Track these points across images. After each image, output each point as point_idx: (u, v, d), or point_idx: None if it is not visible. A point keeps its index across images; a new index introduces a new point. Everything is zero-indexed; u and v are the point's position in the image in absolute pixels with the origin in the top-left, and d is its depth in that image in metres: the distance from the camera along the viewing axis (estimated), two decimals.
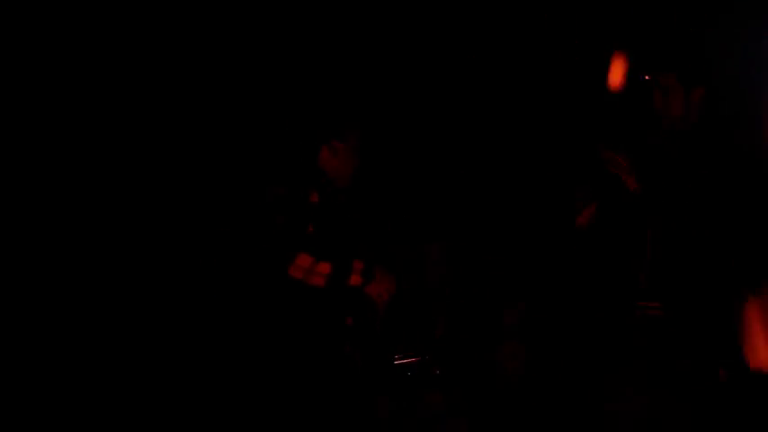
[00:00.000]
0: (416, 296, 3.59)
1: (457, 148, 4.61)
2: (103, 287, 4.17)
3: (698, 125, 3.28)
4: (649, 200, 3.34)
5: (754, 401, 3.42)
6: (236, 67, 4.36)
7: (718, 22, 3.91)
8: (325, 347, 3.26)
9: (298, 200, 3.18)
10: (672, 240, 3.29)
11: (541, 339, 3.65)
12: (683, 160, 3.32)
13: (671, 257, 3.29)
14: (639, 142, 3.47)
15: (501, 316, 3.57)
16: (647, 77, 3.38)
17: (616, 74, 4.17)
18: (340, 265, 3.18)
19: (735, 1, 3.91)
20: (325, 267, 3.14)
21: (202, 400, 4.08)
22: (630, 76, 3.91)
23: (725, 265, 3.25)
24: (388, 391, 3.50)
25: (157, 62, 4.27)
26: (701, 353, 3.24)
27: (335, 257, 3.18)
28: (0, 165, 4.04)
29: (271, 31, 4.38)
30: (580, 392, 3.98)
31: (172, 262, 4.24)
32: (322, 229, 3.23)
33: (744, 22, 3.88)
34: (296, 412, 3.25)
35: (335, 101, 3.83)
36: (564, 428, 4.18)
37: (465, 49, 4.48)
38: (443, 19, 4.47)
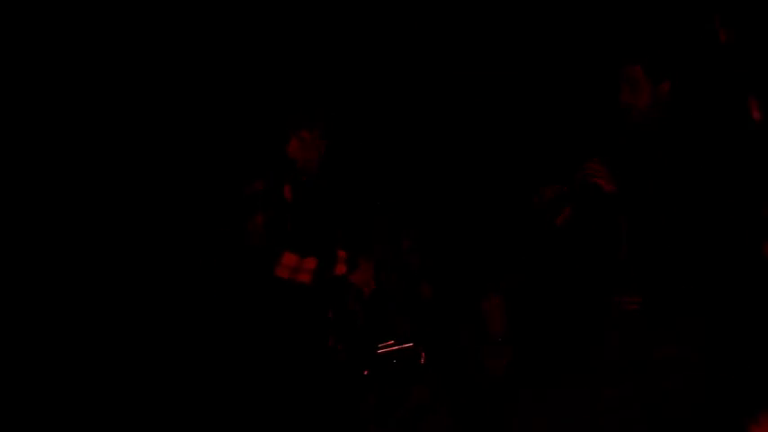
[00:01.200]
0: (395, 286, 3.60)
1: (439, 147, 4.65)
2: (86, 289, 4.12)
3: (665, 118, 3.32)
4: (623, 196, 3.41)
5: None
6: (201, 64, 4.32)
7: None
8: (309, 341, 3.27)
9: (274, 196, 3.20)
10: (646, 235, 3.38)
11: (522, 335, 3.69)
12: (653, 154, 3.41)
13: (646, 252, 3.38)
14: (611, 140, 3.54)
15: (480, 309, 3.61)
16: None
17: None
18: (325, 258, 3.19)
19: None
20: (310, 263, 3.15)
21: (188, 398, 4.09)
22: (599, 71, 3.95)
23: (696, 258, 3.35)
24: (373, 382, 3.52)
25: (121, 64, 4.21)
26: (678, 345, 3.36)
27: (320, 251, 3.19)
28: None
29: (232, 25, 4.34)
30: (561, 386, 4.04)
31: (156, 267, 4.21)
32: (301, 224, 3.24)
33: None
34: (283, 408, 3.26)
35: (299, 91, 3.84)
36: (545, 422, 4.23)
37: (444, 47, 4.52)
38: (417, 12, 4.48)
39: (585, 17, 4.24)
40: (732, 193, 3.37)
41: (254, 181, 3.23)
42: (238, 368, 3.34)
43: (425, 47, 4.52)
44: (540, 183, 3.63)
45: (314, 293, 3.22)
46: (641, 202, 3.30)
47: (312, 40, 4.45)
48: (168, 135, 4.29)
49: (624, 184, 3.33)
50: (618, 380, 3.38)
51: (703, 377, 3.30)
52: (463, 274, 4.10)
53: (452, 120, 4.60)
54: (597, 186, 3.33)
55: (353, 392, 3.39)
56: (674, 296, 3.27)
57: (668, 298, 3.26)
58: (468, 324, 3.75)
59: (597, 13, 4.19)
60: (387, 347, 3.42)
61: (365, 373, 3.42)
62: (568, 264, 3.67)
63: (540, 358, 4.06)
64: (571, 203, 3.46)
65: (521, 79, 4.45)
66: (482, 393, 3.68)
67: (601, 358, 3.47)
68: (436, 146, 4.62)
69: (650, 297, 3.30)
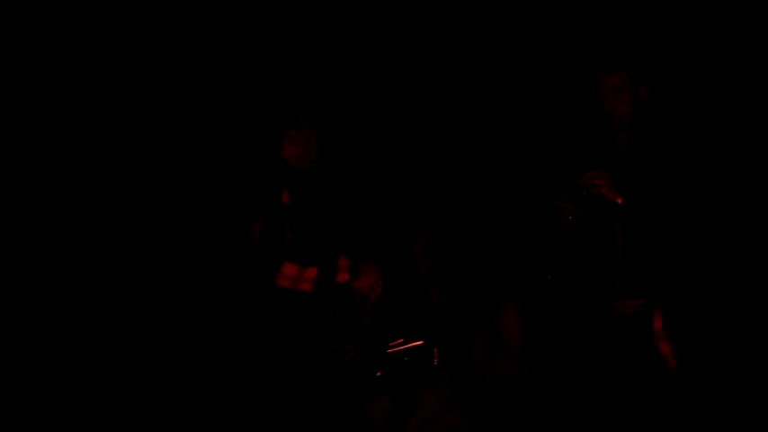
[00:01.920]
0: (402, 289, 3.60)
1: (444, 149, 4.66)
2: (85, 299, 4.10)
3: (642, 123, 3.38)
4: (624, 203, 3.47)
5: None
6: (185, 70, 4.28)
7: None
8: (317, 346, 3.26)
9: (271, 203, 3.15)
10: (643, 240, 3.44)
11: (532, 341, 3.71)
12: (637, 160, 3.47)
13: (643, 256, 3.44)
14: (601, 149, 3.60)
15: (494, 315, 3.61)
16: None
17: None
18: (326, 267, 3.17)
19: None
20: (311, 272, 3.14)
21: (196, 404, 4.08)
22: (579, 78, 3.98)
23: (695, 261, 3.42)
24: (384, 385, 3.50)
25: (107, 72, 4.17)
26: (679, 349, 3.42)
27: (320, 260, 3.16)
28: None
29: (215, 30, 4.31)
30: (569, 391, 4.06)
31: (158, 282, 4.20)
32: (301, 232, 3.20)
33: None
34: (293, 411, 3.25)
35: (286, 90, 3.82)
36: (555, 426, 4.24)
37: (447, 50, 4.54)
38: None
39: (564, 25, 4.31)
40: (717, 194, 3.46)
41: (250, 187, 3.21)
42: (245, 372, 3.34)
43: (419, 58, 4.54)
44: (545, 189, 3.68)
45: (318, 300, 3.21)
46: (639, 208, 3.38)
47: (302, 37, 4.43)
48: (160, 144, 4.26)
49: (622, 191, 3.41)
50: (625, 382, 3.45)
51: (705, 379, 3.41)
52: (476, 279, 4.11)
53: (458, 122, 4.62)
54: (600, 195, 3.40)
55: (364, 394, 3.38)
56: (674, 299, 3.35)
57: (667, 301, 3.34)
58: (482, 330, 3.76)
59: (576, 21, 4.27)
60: (397, 346, 3.41)
61: (378, 374, 3.40)
62: (575, 270, 3.70)
63: (554, 365, 4.07)
64: (575, 212, 3.53)
65: (516, 84, 4.50)
66: (495, 400, 3.69)
67: (609, 362, 3.53)
68: (443, 148, 4.64)
69: (649, 301, 3.38)
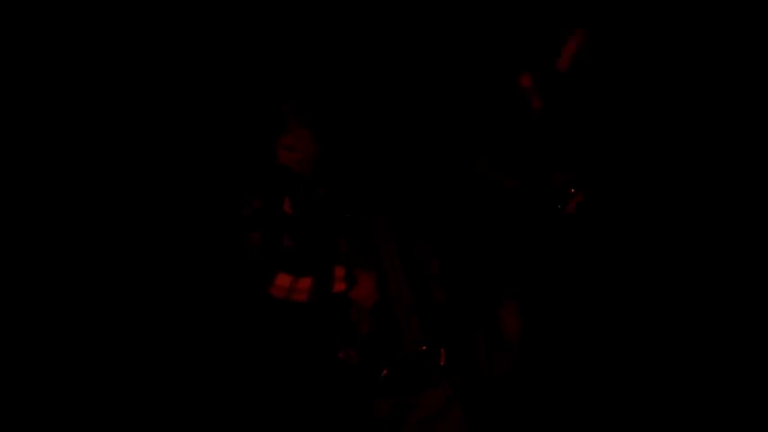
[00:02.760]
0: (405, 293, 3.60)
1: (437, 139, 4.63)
2: (80, 305, 4.08)
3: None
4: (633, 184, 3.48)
5: None
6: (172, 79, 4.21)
7: None
8: (318, 354, 3.29)
9: (272, 211, 3.15)
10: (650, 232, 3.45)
11: (534, 337, 3.74)
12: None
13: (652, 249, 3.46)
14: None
15: (495, 314, 3.63)
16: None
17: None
18: (321, 278, 3.17)
19: None
20: (305, 283, 3.13)
21: (199, 408, 4.10)
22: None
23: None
24: (386, 388, 3.49)
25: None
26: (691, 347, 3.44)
27: (315, 271, 3.16)
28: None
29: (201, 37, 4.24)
30: (573, 388, 4.10)
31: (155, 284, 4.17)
32: (298, 241, 3.20)
33: None
34: (297, 418, 3.33)
35: (273, 98, 3.71)
36: (559, 424, 4.28)
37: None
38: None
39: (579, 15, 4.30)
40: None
41: (253, 197, 3.19)
42: (247, 378, 3.40)
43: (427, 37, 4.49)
44: (550, 172, 3.67)
45: (314, 310, 3.22)
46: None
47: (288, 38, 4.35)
48: (158, 149, 4.21)
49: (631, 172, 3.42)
50: (629, 380, 3.48)
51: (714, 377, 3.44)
52: (478, 277, 4.12)
53: (457, 117, 4.59)
54: (607, 174, 3.41)
55: (367, 397, 3.41)
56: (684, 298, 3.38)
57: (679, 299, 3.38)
58: (483, 329, 3.76)
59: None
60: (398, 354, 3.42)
61: (384, 373, 3.39)
62: (580, 259, 3.69)
63: (554, 362, 4.12)
64: (582, 190, 3.52)
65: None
66: (495, 397, 3.72)
67: (612, 359, 3.56)
68: (441, 145, 4.62)
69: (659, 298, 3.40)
